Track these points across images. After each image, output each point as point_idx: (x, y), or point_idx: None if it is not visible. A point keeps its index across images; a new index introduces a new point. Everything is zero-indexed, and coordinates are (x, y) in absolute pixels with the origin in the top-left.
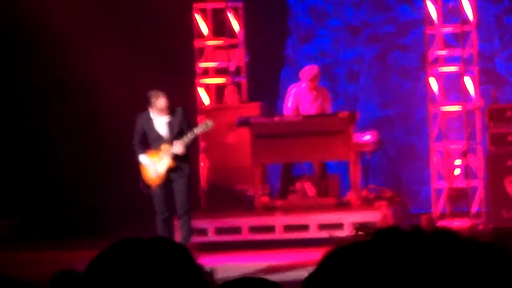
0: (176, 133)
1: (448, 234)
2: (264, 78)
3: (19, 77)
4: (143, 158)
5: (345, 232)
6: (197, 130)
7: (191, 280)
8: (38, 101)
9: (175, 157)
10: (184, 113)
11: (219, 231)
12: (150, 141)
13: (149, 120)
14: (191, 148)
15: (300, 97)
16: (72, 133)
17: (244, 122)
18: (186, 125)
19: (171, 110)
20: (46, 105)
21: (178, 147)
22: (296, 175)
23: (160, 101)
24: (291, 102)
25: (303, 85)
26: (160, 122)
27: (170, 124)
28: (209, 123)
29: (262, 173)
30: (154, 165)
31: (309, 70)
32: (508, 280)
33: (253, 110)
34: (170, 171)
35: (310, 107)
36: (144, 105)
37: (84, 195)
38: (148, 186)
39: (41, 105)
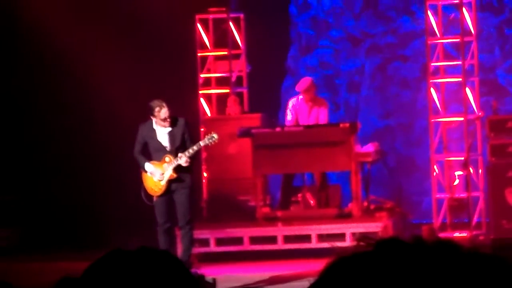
0: (178, 144)
1: (449, 245)
2: (265, 89)
3: (20, 87)
4: (148, 166)
5: (346, 243)
6: (203, 143)
7: None
8: (39, 110)
9: (178, 168)
10: (186, 124)
11: (221, 241)
12: (152, 152)
13: (151, 130)
14: (194, 159)
15: (298, 109)
16: (73, 142)
17: (246, 133)
18: (188, 136)
19: (173, 120)
20: (47, 114)
21: (182, 159)
22: (297, 186)
23: (163, 111)
24: (291, 115)
25: (300, 97)
26: (162, 133)
27: (172, 135)
28: (215, 135)
29: (263, 183)
30: (157, 175)
31: (303, 83)
32: None
33: (254, 120)
34: (172, 182)
35: (308, 118)
36: (146, 115)
37: (86, 205)
38: (150, 196)
39: (42, 115)
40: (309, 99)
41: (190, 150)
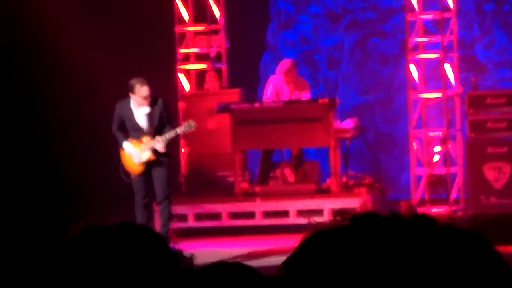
0: (156, 125)
1: (426, 220)
2: (244, 64)
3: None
4: (126, 146)
5: (325, 218)
6: (180, 130)
7: (163, 264)
8: (18, 83)
9: (156, 152)
10: (165, 105)
11: (199, 217)
12: (129, 131)
13: (129, 110)
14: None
15: (280, 90)
16: (49, 117)
17: (225, 108)
18: (165, 116)
19: (152, 100)
20: (27, 85)
21: (159, 145)
22: (275, 161)
23: (144, 89)
24: (270, 93)
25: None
26: (140, 114)
27: (150, 116)
28: (192, 123)
29: (242, 159)
30: (135, 155)
31: (283, 65)
32: (485, 266)
33: (233, 96)
34: (150, 163)
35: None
36: (125, 90)
37: (64, 180)
38: (128, 173)
39: (23, 87)
40: (290, 81)
41: (167, 135)
